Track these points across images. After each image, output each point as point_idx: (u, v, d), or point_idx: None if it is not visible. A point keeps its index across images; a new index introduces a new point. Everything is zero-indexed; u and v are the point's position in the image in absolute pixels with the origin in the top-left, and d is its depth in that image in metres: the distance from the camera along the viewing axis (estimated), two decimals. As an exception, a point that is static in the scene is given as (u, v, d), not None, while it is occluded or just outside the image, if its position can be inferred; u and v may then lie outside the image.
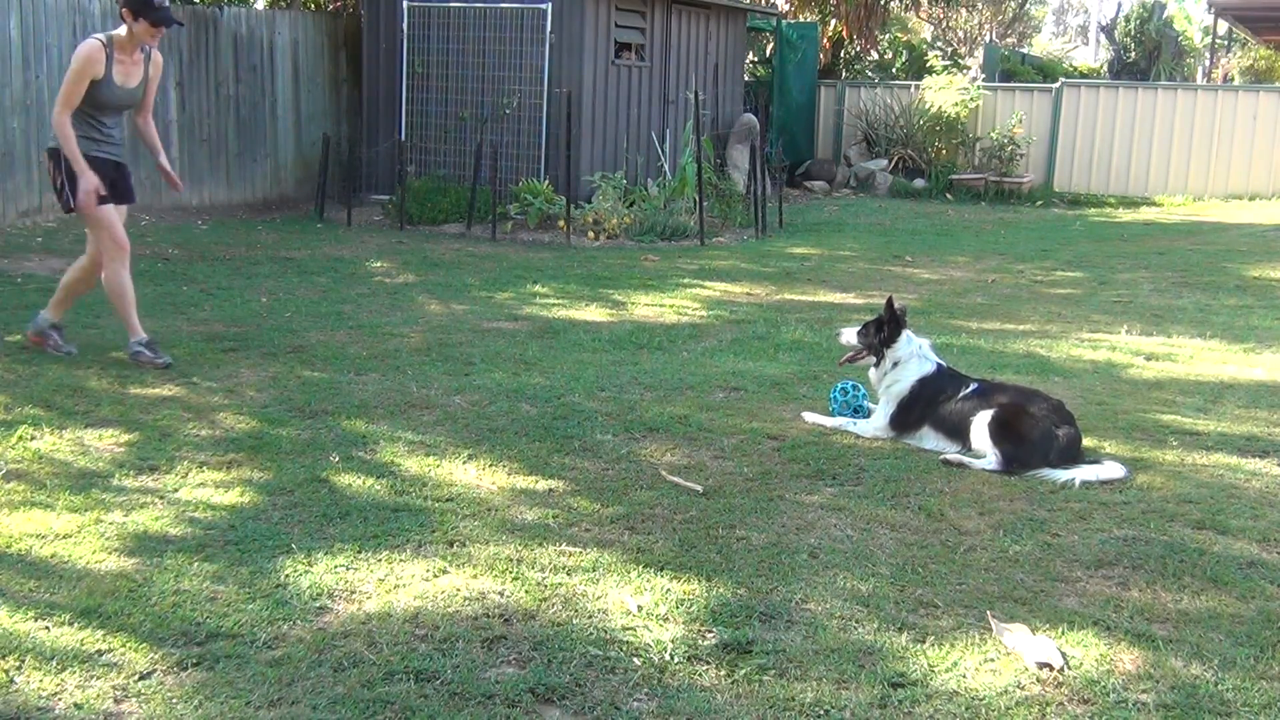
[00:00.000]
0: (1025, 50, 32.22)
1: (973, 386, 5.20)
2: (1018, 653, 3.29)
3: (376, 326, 7.51)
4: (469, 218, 12.69)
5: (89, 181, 6.03)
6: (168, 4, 6.15)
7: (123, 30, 6.09)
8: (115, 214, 6.23)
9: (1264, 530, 4.23)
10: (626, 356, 6.89)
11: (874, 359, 5.42)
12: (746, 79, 18.66)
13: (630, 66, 14.14)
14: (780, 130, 18.03)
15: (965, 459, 4.96)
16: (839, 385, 5.70)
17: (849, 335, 5.51)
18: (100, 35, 6.13)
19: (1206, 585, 3.78)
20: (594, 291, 9.19)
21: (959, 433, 5.08)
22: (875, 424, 5.35)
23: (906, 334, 5.37)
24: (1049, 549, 4.05)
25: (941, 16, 31.55)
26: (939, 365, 5.38)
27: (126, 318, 6.32)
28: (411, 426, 5.30)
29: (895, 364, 5.34)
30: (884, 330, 5.36)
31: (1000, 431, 4.90)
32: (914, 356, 5.34)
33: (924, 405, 5.22)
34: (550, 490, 4.54)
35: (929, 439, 5.19)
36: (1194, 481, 4.77)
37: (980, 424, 4.98)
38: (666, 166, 14.35)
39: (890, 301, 5.37)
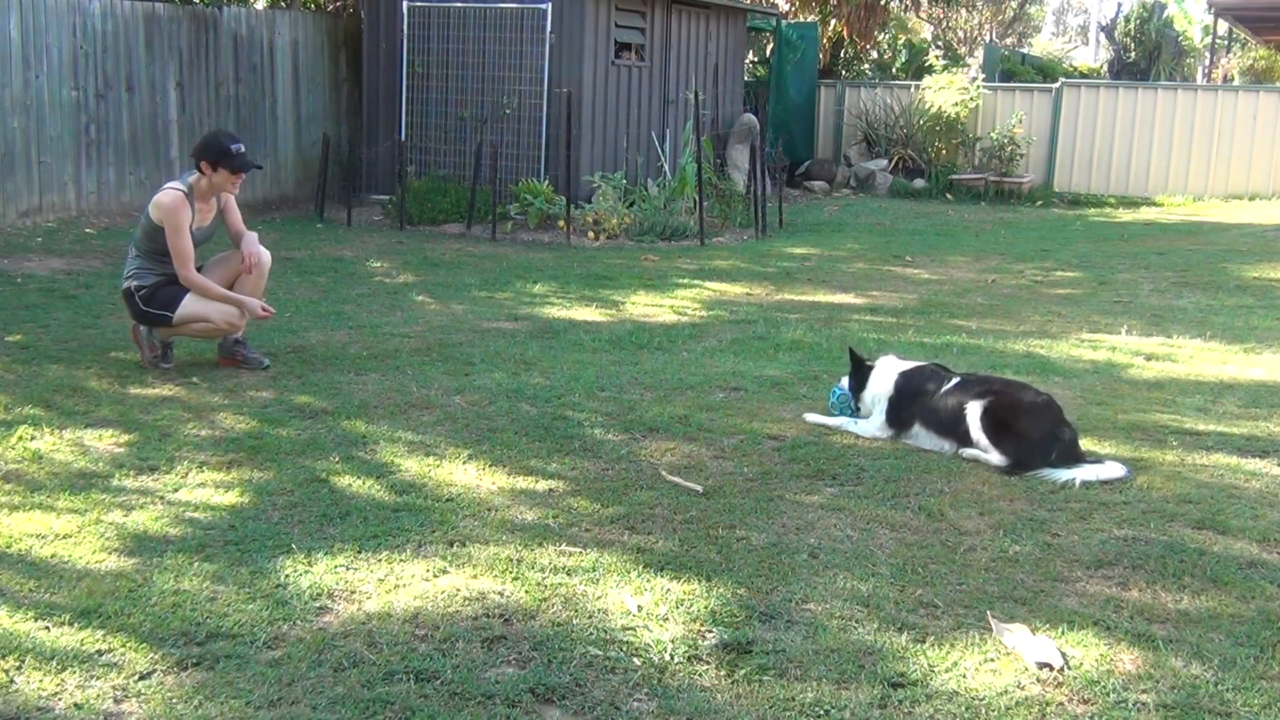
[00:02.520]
0: (1025, 50, 32.24)
1: (956, 380, 5.23)
2: (1018, 653, 3.29)
3: (376, 326, 7.51)
4: (469, 218, 12.69)
5: (252, 306, 6.14)
6: (243, 148, 6.16)
7: (198, 179, 6.09)
8: (197, 300, 6.12)
9: (1264, 530, 4.23)
10: (626, 356, 6.89)
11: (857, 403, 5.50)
12: (746, 79, 18.66)
13: (630, 66, 14.14)
14: (778, 130, 18.02)
15: (980, 455, 4.94)
16: (839, 384, 5.71)
17: (845, 384, 5.57)
18: (180, 185, 6.09)
19: (1206, 585, 3.78)
20: (594, 291, 9.19)
21: (951, 428, 5.07)
22: (873, 424, 5.36)
23: (876, 364, 5.49)
24: (1049, 549, 4.05)
25: (941, 16, 31.55)
26: (918, 363, 5.47)
27: (172, 332, 6.27)
28: (411, 426, 5.30)
29: (872, 384, 5.41)
30: (855, 377, 5.50)
31: (998, 431, 4.91)
32: (887, 364, 5.44)
33: (911, 400, 5.24)
34: (550, 490, 4.54)
35: (923, 438, 5.19)
36: (1194, 481, 4.77)
37: (974, 418, 4.96)
38: (666, 166, 14.35)
39: (850, 351, 5.63)
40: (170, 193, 6.06)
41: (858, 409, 5.49)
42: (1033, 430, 4.88)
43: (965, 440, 5.01)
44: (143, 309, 6.14)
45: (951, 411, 5.07)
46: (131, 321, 6.31)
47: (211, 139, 6.27)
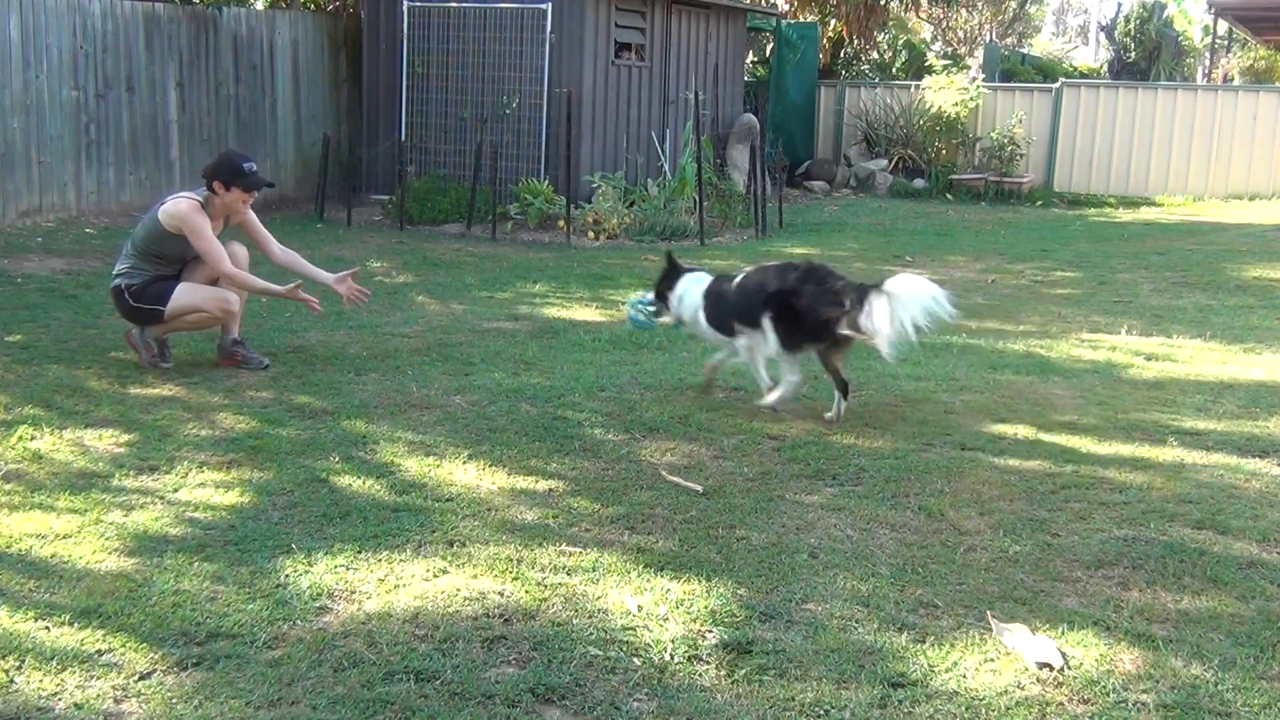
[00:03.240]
0: (1025, 50, 32.23)
1: (741, 274, 5.67)
2: (1018, 653, 3.29)
3: (376, 326, 7.51)
4: (469, 218, 12.69)
5: (294, 292, 6.19)
6: (255, 166, 6.21)
7: (212, 197, 6.10)
8: (192, 290, 6.15)
9: (1264, 530, 4.23)
10: (626, 356, 6.89)
11: (666, 309, 5.91)
12: (746, 79, 18.66)
13: (630, 66, 14.14)
14: (778, 130, 18.03)
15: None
16: (631, 301, 6.21)
17: (648, 296, 6.09)
18: (195, 195, 6.11)
19: (1206, 585, 3.78)
20: (594, 291, 9.19)
21: (751, 317, 5.42)
22: (729, 351, 5.75)
23: (686, 274, 5.87)
24: (1049, 549, 4.05)
25: (941, 16, 31.54)
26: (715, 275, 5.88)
27: (169, 327, 6.27)
28: (411, 426, 5.30)
29: (680, 297, 5.79)
30: (667, 278, 5.89)
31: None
32: (692, 279, 5.81)
33: (723, 301, 5.62)
34: (550, 490, 4.54)
35: (745, 334, 5.55)
36: (1194, 481, 4.77)
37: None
38: (666, 166, 14.35)
39: (669, 256, 6.06)
40: (185, 200, 6.07)
41: (668, 310, 5.88)
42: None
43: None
44: (133, 305, 6.13)
45: (753, 300, 5.46)
46: (126, 325, 6.29)
47: (224, 159, 6.29)
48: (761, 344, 5.47)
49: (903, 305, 5.00)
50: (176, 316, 6.13)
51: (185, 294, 6.11)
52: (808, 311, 5.26)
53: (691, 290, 5.75)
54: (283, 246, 6.46)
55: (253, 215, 6.37)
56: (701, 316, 5.70)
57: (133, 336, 6.25)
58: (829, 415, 5.52)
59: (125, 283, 6.13)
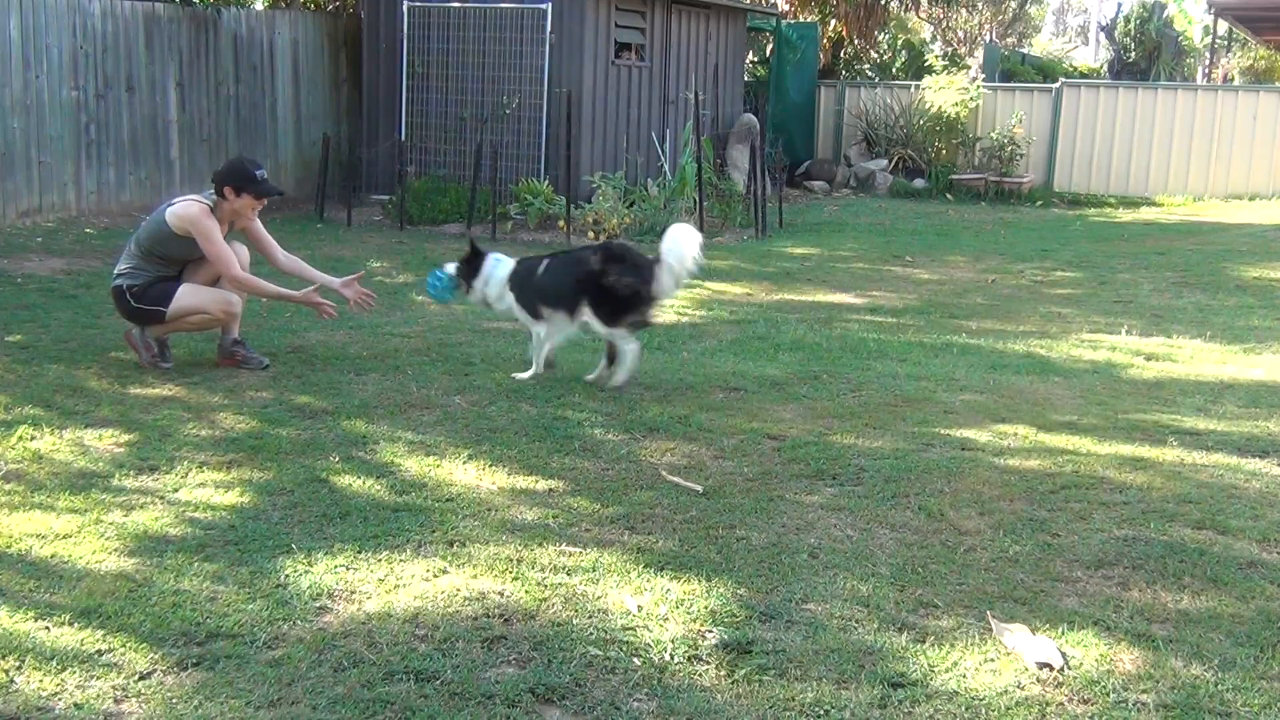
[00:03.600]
0: (1025, 50, 32.22)
1: (547, 261, 6.08)
2: (1018, 653, 3.29)
3: (376, 326, 7.51)
4: (469, 218, 12.69)
5: (309, 297, 6.30)
6: (265, 173, 6.26)
7: (221, 203, 6.10)
8: (193, 290, 6.14)
9: (1264, 530, 4.23)
10: (626, 356, 6.88)
11: (466, 285, 6.21)
12: (746, 79, 18.66)
13: (630, 66, 14.14)
14: (778, 130, 18.02)
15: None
16: (431, 275, 6.35)
17: (450, 268, 6.30)
18: (204, 199, 6.10)
19: (1206, 585, 3.78)
20: (594, 291, 9.17)
21: (563, 300, 5.89)
22: (530, 330, 6.11)
23: (490, 259, 6.19)
24: (1049, 549, 4.05)
25: (941, 16, 31.53)
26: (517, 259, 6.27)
27: (171, 327, 6.25)
28: (411, 426, 5.30)
29: (487, 281, 6.13)
30: (470, 263, 6.20)
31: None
32: (496, 263, 6.15)
33: (530, 286, 6.01)
34: (550, 490, 4.55)
35: (551, 317, 5.98)
36: (1194, 481, 4.76)
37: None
38: (666, 166, 14.35)
39: (473, 243, 6.35)
40: (194, 204, 6.05)
41: (470, 290, 6.18)
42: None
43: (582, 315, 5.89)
44: (134, 306, 6.12)
45: (563, 285, 5.93)
46: (126, 324, 6.29)
47: (236, 164, 6.28)
48: (565, 326, 6.02)
49: (673, 271, 5.87)
50: (179, 318, 6.13)
51: (188, 295, 6.11)
52: (621, 288, 5.82)
53: (497, 273, 6.14)
54: (287, 253, 6.46)
55: (258, 222, 6.37)
56: (510, 297, 6.11)
57: (133, 336, 6.24)
58: (590, 377, 6.13)
59: (127, 283, 6.12)
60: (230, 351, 6.29)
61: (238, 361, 6.26)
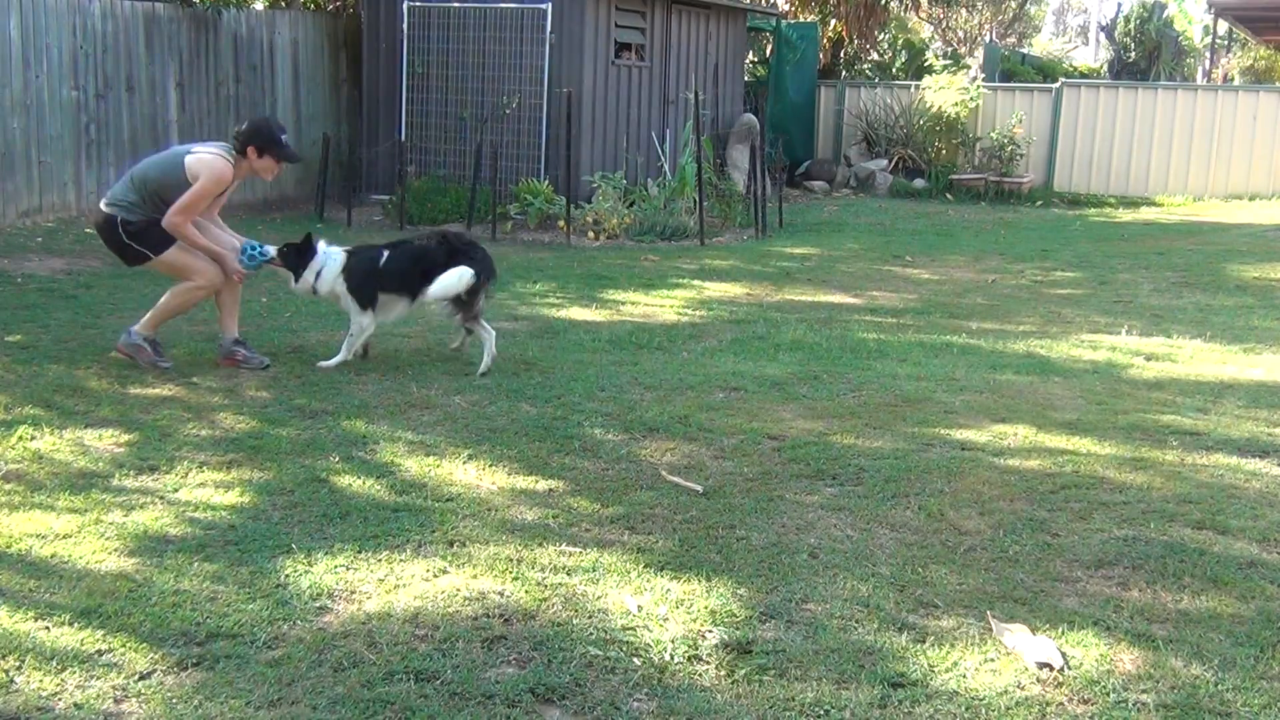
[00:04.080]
0: (1025, 50, 32.22)
1: (386, 252, 6.39)
2: (1018, 653, 3.29)
3: (376, 326, 7.49)
4: (469, 218, 12.69)
5: (230, 266, 6.24)
6: (288, 137, 6.34)
7: (241, 161, 6.12)
8: (190, 254, 6.16)
9: (1264, 530, 4.23)
10: (626, 356, 6.89)
11: (294, 275, 6.35)
12: (747, 79, 18.66)
13: (630, 66, 14.14)
14: (777, 130, 18.02)
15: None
16: (248, 245, 6.31)
17: (271, 250, 6.37)
18: (225, 153, 6.11)
19: (1206, 585, 3.78)
20: (594, 291, 9.19)
21: (410, 287, 6.25)
22: (357, 321, 6.35)
23: (320, 250, 6.36)
24: (1049, 549, 4.05)
25: (941, 16, 31.54)
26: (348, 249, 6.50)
27: (158, 318, 6.27)
28: (411, 426, 5.30)
29: (318, 274, 6.30)
30: (300, 254, 6.34)
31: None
32: (328, 256, 6.34)
33: (368, 278, 6.29)
34: (550, 490, 4.55)
35: (390, 306, 6.34)
36: (1194, 481, 4.76)
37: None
38: (666, 166, 14.35)
39: (308, 235, 6.46)
40: (222, 161, 6.06)
41: (297, 279, 6.35)
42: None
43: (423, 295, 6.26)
44: (125, 242, 6.09)
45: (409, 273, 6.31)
46: (120, 342, 6.24)
47: (264, 125, 6.31)
48: (403, 310, 6.45)
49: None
50: (164, 267, 6.17)
51: (183, 254, 6.12)
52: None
53: (330, 266, 6.33)
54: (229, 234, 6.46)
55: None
56: (342, 286, 6.33)
57: (124, 347, 6.21)
58: (453, 346, 6.74)
59: (124, 216, 6.08)
60: (230, 351, 6.29)
61: (238, 361, 6.25)
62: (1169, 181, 18.02)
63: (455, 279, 6.12)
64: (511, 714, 2.94)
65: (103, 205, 6.21)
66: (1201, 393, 6.25)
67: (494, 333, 6.42)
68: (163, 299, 6.27)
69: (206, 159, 6.02)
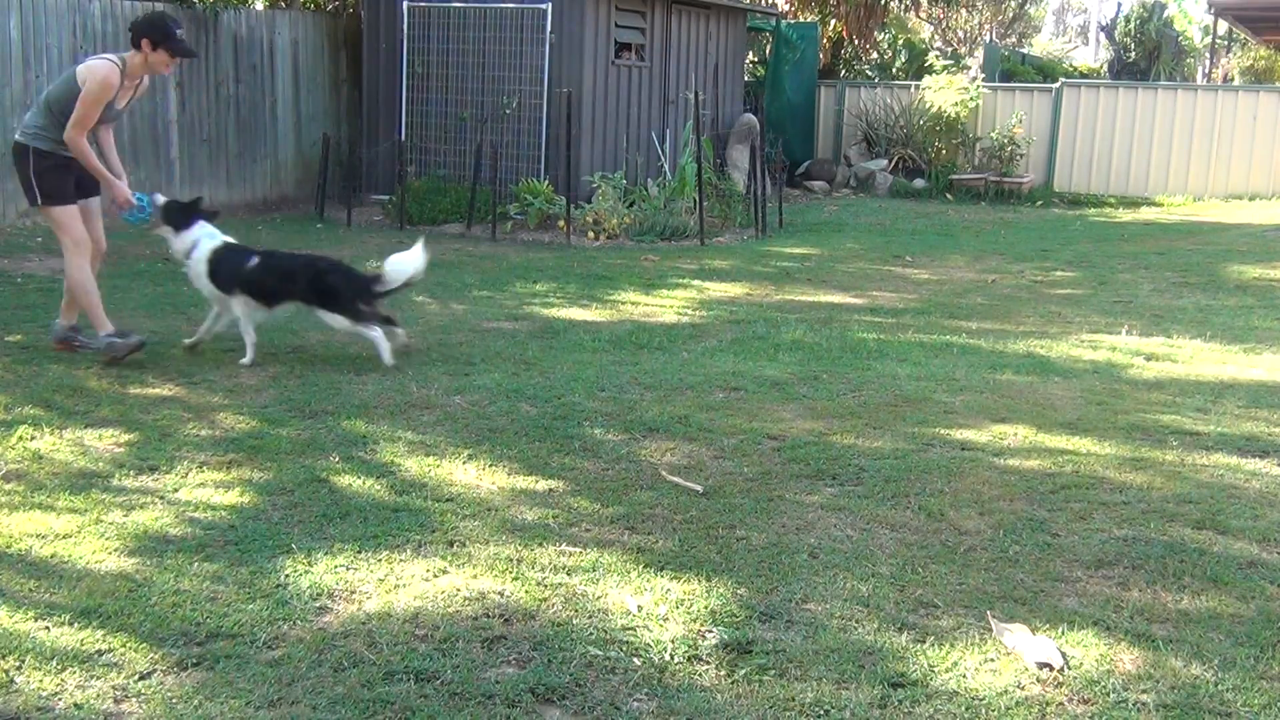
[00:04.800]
0: (1025, 50, 32.22)
1: (256, 259, 6.44)
2: (1018, 653, 3.29)
3: (376, 326, 7.50)
4: (469, 218, 12.69)
5: (120, 192, 6.27)
6: (184, 33, 6.32)
7: (133, 55, 6.14)
8: (77, 212, 6.26)
9: (1264, 530, 4.23)
10: (626, 356, 6.89)
11: (172, 230, 6.45)
12: (747, 79, 18.66)
13: (630, 66, 14.14)
14: (776, 130, 18.01)
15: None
16: (140, 196, 6.39)
17: (160, 201, 6.50)
18: (114, 57, 6.15)
19: (1206, 585, 3.78)
20: (594, 291, 9.19)
21: (268, 297, 6.38)
22: (209, 296, 6.46)
23: (201, 225, 6.44)
24: (1049, 549, 4.05)
25: (941, 16, 31.54)
26: (226, 240, 6.54)
27: (92, 313, 6.35)
28: (411, 426, 5.30)
29: (190, 248, 6.40)
30: (183, 215, 6.45)
31: (332, 302, 6.37)
32: (203, 237, 6.40)
33: (228, 270, 6.36)
34: (550, 490, 4.55)
35: (239, 303, 6.38)
36: (1194, 481, 4.77)
37: (322, 313, 6.41)
38: (666, 166, 14.35)
39: (198, 200, 6.66)
40: (106, 64, 6.10)
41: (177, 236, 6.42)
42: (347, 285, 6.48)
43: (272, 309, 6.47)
44: (32, 175, 6.14)
45: (271, 285, 6.42)
46: (99, 348, 6.34)
47: (157, 18, 6.34)
48: (260, 316, 6.49)
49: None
50: (46, 215, 6.28)
51: (65, 214, 6.21)
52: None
53: (204, 244, 6.41)
54: (111, 140, 6.49)
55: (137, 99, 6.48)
56: (205, 270, 6.39)
57: (58, 341, 6.42)
58: (400, 340, 6.74)
59: (36, 145, 6.14)
60: (65, 337, 6.43)
61: (74, 348, 6.38)
62: (1169, 181, 18.02)
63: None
64: (511, 714, 2.94)
65: (17, 135, 6.29)
66: (1201, 393, 6.25)
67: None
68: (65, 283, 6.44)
69: (93, 64, 6.10)
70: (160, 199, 6.48)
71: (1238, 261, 11.55)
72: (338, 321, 6.46)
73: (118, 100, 6.18)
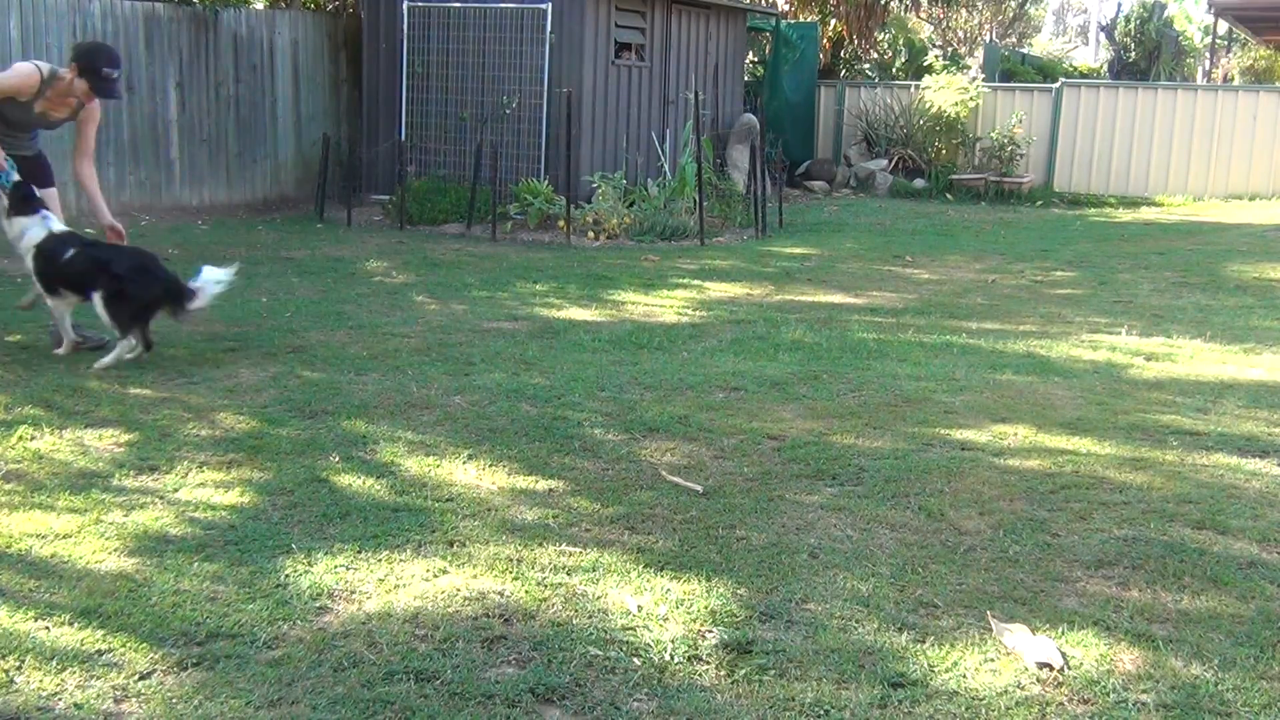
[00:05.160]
0: (1025, 50, 32.21)
1: (72, 250, 6.22)
2: (1018, 653, 3.29)
3: (376, 326, 7.51)
4: (469, 218, 12.69)
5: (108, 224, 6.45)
6: (117, 77, 6.30)
7: (65, 73, 6.20)
8: None
9: (1264, 530, 4.23)
10: (626, 356, 6.89)
11: (9, 212, 6.28)
12: (747, 79, 18.66)
13: (630, 66, 14.14)
14: (776, 130, 18.01)
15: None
16: (4, 175, 6.25)
17: (15, 178, 6.29)
18: (43, 65, 6.22)
19: (1206, 585, 3.78)
20: (594, 291, 9.19)
21: (79, 288, 6.18)
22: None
23: (44, 214, 6.29)
24: (1049, 549, 4.05)
25: (941, 16, 31.54)
26: (55, 231, 6.32)
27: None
28: (411, 426, 5.30)
29: (22, 233, 6.26)
30: (24, 199, 6.27)
31: (119, 311, 6.09)
32: (38, 222, 6.25)
33: (50, 263, 6.21)
34: (550, 490, 4.55)
35: (64, 295, 6.26)
36: (1194, 481, 4.77)
37: (99, 305, 6.11)
38: (666, 166, 14.35)
39: (30, 189, 6.36)
40: (29, 66, 6.17)
41: (9, 217, 6.27)
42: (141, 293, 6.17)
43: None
44: None
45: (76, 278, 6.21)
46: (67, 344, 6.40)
47: (98, 51, 6.38)
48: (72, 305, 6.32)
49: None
50: None
51: None
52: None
53: (34, 230, 6.28)
54: (90, 170, 6.58)
55: (95, 118, 6.47)
56: (34, 264, 6.30)
57: (87, 337, 6.50)
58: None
59: None
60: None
61: (77, 346, 6.45)
62: (1169, 181, 18.03)
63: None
64: (511, 714, 2.94)
65: None
66: (1201, 393, 6.25)
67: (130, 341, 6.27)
68: None
69: (18, 64, 6.21)
70: (16, 179, 6.34)
71: (1238, 261, 11.55)
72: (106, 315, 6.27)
73: (38, 107, 6.22)
